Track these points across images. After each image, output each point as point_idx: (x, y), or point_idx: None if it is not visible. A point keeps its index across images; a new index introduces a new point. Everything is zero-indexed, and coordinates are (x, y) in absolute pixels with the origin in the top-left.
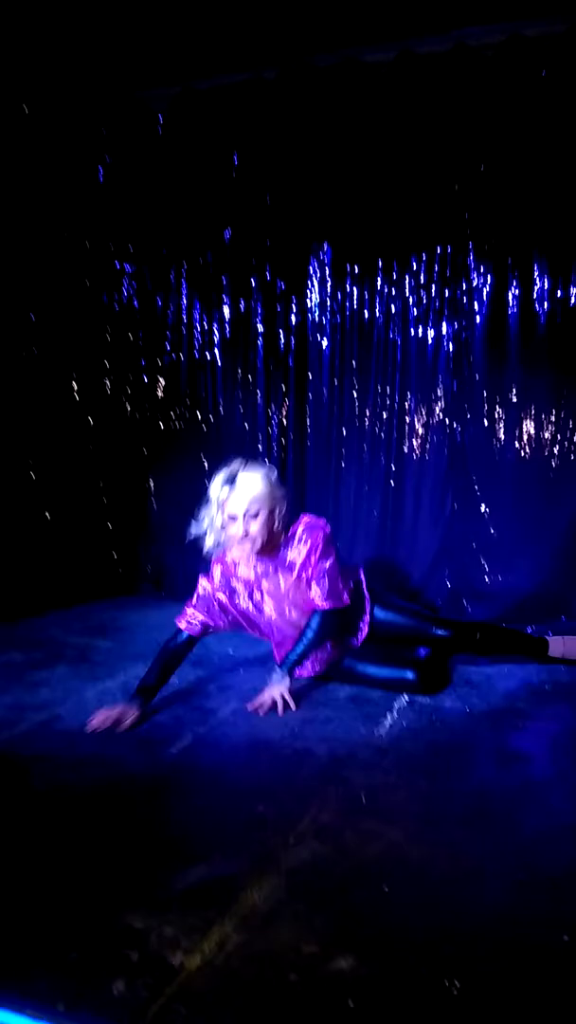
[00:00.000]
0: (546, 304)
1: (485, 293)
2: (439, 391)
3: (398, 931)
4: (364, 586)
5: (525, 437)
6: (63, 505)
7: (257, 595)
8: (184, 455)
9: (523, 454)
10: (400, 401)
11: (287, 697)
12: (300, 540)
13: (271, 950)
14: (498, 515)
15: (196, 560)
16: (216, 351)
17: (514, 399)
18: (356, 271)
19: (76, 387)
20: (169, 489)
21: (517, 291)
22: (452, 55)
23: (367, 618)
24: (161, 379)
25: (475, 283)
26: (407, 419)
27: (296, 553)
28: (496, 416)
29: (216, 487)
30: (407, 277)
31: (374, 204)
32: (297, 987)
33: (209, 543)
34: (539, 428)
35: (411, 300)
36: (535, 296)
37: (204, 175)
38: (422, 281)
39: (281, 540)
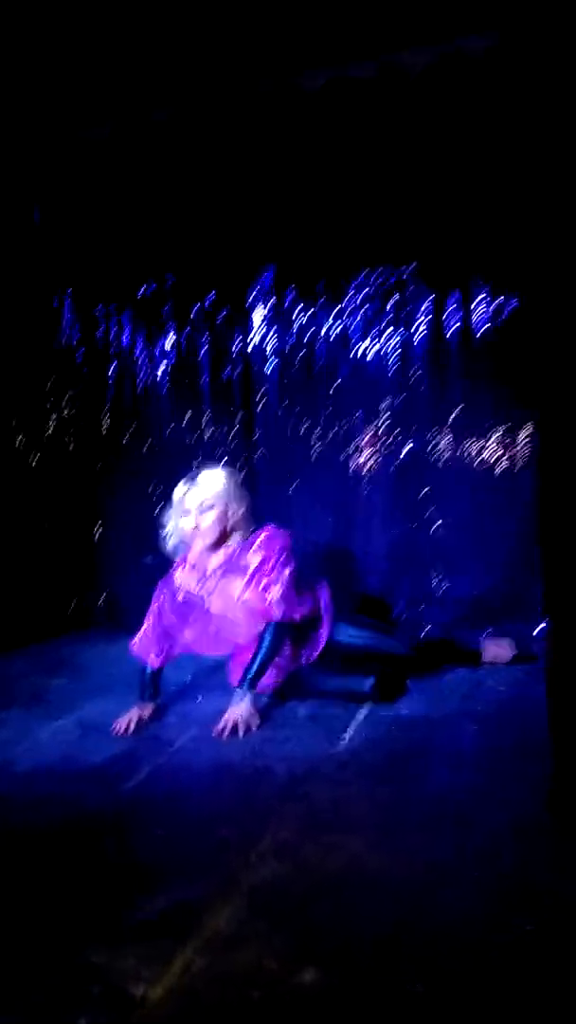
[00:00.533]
0: (485, 321)
1: (426, 311)
2: (384, 407)
3: (359, 940)
4: (324, 602)
5: (470, 450)
6: (9, 543)
7: (210, 599)
8: (132, 486)
9: (468, 466)
10: (348, 418)
11: (249, 716)
12: (259, 547)
13: (234, 971)
14: (447, 526)
15: (149, 590)
16: (162, 380)
17: (457, 413)
18: (299, 292)
19: (16, 427)
20: (119, 521)
21: (457, 309)
22: (382, 77)
23: (324, 632)
24: (108, 411)
25: (416, 301)
26: (355, 435)
27: (253, 558)
28: (442, 430)
29: (179, 487)
30: (349, 296)
31: (314, 227)
32: (261, 1004)
33: (171, 543)
34: (482, 441)
35: (354, 319)
36: (474, 313)
37: (141, 206)
38: (366, 299)
39: (238, 543)
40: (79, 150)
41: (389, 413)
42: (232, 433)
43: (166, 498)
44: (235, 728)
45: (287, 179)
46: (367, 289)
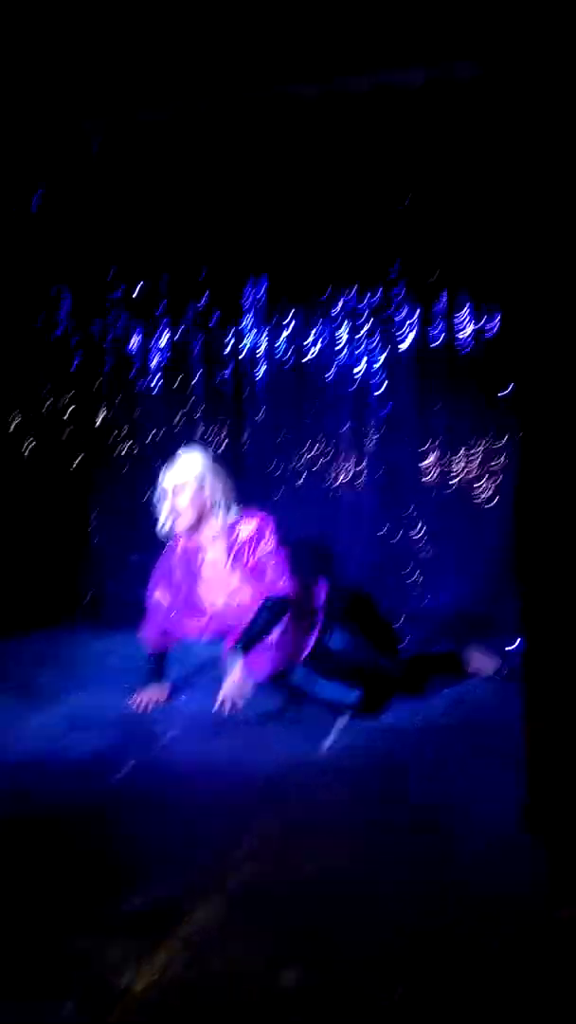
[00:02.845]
0: (470, 338)
1: (414, 325)
2: (371, 418)
3: (340, 944)
4: (319, 600)
5: (453, 463)
6: None
7: (200, 581)
8: (122, 482)
9: (452, 479)
10: (335, 427)
11: (241, 686)
12: (241, 529)
13: (216, 969)
14: (431, 537)
15: (136, 587)
16: (153, 378)
17: (443, 428)
18: (291, 301)
19: (9, 414)
20: (107, 516)
21: (443, 324)
22: (376, 93)
23: (315, 632)
24: (99, 406)
25: (404, 315)
26: (342, 444)
27: (240, 539)
28: (426, 443)
29: (162, 471)
30: (339, 308)
31: (308, 237)
32: (244, 1003)
33: (163, 527)
34: (467, 455)
35: (344, 331)
36: (460, 329)
37: (140, 205)
38: (354, 311)
39: (220, 524)
40: (79, 142)
41: (375, 424)
42: (223, 436)
43: (149, 500)
44: (234, 705)
45: (282, 189)
46: (356, 301)
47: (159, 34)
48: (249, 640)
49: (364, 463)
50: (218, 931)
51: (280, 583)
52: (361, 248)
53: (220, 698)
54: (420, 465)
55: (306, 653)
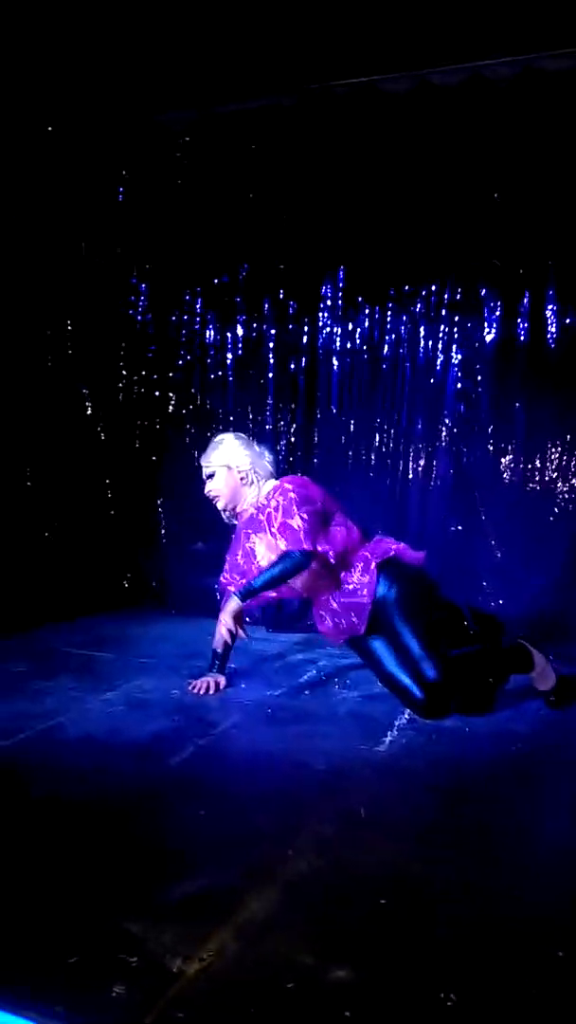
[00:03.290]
0: (555, 334)
1: (495, 321)
2: (446, 415)
3: (394, 944)
4: (374, 566)
5: (530, 464)
6: (70, 517)
7: (251, 555)
8: (192, 470)
9: (528, 480)
10: (407, 423)
11: (224, 620)
12: (270, 502)
13: (268, 959)
14: (502, 539)
15: (201, 573)
16: (228, 368)
17: (520, 426)
18: (368, 295)
19: (88, 399)
20: (176, 503)
21: (526, 321)
22: (467, 86)
23: (367, 594)
24: (172, 394)
25: (485, 311)
26: (414, 441)
27: (270, 508)
28: (502, 442)
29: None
30: (418, 303)
31: (388, 231)
32: (294, 995)
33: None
34: (544, 455)
35: (421, 325)
36: (545, 326)
37: (222, 197)
38: (432, 306)
39: (255, 499)
40: (164, 134)
41: (449, 421)
42: (293, 428)
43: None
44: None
45: (364, 183)
46: (435, 295)
47: (244, 28)
48: (255, 591)
49: (437, 458)
50: (270, 922)
51: (306, 537)
52: (444, 243)
53: (224, 634)
54: (495, 464)
55: (363, 628)
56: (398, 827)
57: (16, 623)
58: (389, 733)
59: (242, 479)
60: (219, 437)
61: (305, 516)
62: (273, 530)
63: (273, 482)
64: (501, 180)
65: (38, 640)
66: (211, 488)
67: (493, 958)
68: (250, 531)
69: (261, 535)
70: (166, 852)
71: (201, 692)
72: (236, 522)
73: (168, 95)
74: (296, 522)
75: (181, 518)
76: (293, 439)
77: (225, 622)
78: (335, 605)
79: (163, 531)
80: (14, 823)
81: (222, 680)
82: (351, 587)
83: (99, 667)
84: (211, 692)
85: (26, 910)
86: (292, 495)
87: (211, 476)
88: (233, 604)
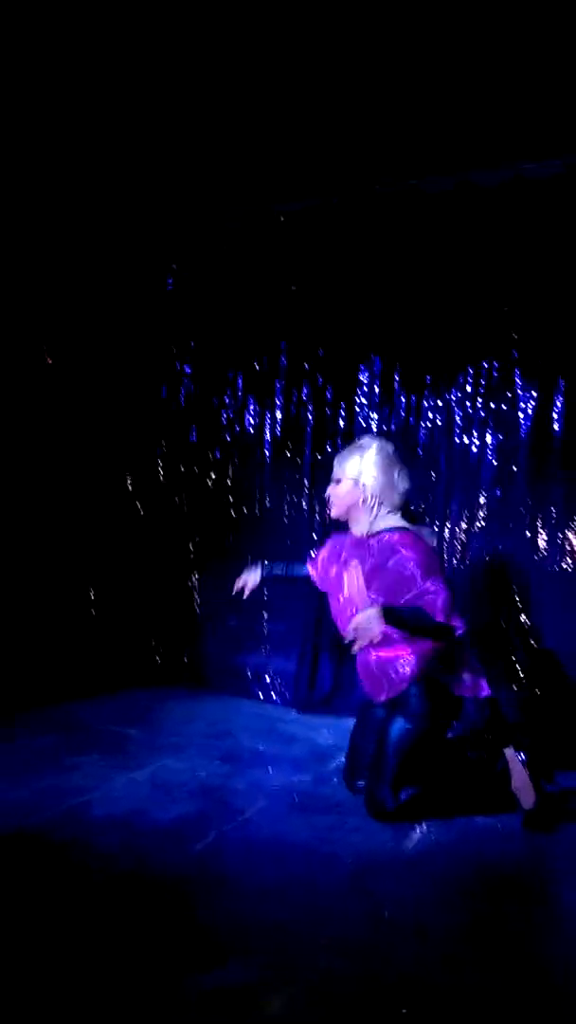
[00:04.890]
0: None
1: (530, 408)
2: (482, 501)
3: None
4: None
5: (568, 549)
6: (104, 592)
7: (342, 575)
8: (229, 547)
9: (566, 567)
10: (443, 509)
11: (366, 622)
12: (392, 542)
13: None
14: (540, 627)
15: (236, 651)
16: (266, 450)
17: (556, 513)
18: (404, 382)
19: (130, 476)
20: (213, 580)
21: (561, 408)
22: (505, 187)
23: (394, 686)
24: (212, 474)
25: (520, 399)
26: (448, 525)
27: (379, 551)
28: (538, 528)
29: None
30: (453, 390)
31: (424, 320)
32: None
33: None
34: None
35: (456, 412)
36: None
37: (266, 288)
38: (468, 393)
39: (368, 527)
40: (214, 234)
41: (485, 507)
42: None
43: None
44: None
45: (398, 273)
46: (470, 386)
47: (301, 133)
48: (398, 613)
49: (472, 543)
50: (291, 1023)
51: (447, 615)
52: (479, 333)
53: (351, 626)
54: (532, 550)
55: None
56: (425, 929)
57: (46, 696)
58: (418, 828)
59: (363, 501)
60: (364, 441)
61: (444, 587)
62: (384, 577)
63: (396, 519)
64: (536, 276)
65: (71, 714)
66: (330, 493)
67: None
68: (346, 554)
69: (359, 570)
70: (186, 942)
71: (237, 588)
72: (339, 529)
73: (226, 192)
74: (434, 586)
75: (216, 594)
76: (328, 519)
77: (370, 622)
78: (372, 664)
79: (197, 607)
80: (35, 903)
81: (257, 576)
82: (399, 666)
83: (128, 745)
84: (244, 587)
85: (39, 997)
86: (416, 553)
87: (337, 481)
88: (373, 611)
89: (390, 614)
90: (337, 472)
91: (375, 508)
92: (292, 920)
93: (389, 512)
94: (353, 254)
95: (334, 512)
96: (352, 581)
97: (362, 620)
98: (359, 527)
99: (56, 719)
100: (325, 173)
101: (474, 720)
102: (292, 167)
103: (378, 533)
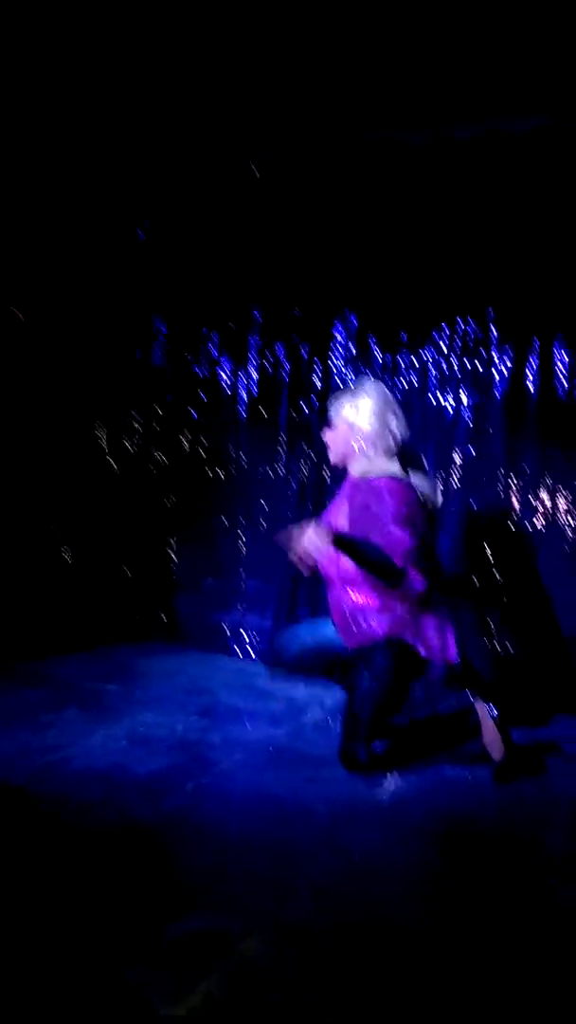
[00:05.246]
0: (565, 381)
1: (505, 367)
2: (456, 459)
3: (389, 995)
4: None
5: (541, 508)
6: (81, 549)
7: (330, 514)
8: (205, 507)
9: (539, 525)
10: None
11: (310, 537)
12: (379, 487)
13: (259, 1006)
14: (512, 584)
15: (210, 609)
16: (241, 409)
17: (529, 470)
18: (379, 340)
19: (104, 435)
20: (189, 539)
21: (536, 367)
22: (484, 140)
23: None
24: (187, 432)
25: (495, 357)
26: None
27: (365, 494)
28: (512, 486)
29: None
30: (428, 348)
31: (400, 277)
32: None
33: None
34: (554, 500)
35: (431, 370)
36: (555, 372)
37: (239, 243)
38: (444, 352)
39: (360, 472)
40: (189, 177)
41: (459, 466)
42: (306, 468)
43: (234, 525)
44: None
45: (374, 227)
46: (446, 340)
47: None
48: (349, 544)
49: (447, 502)
50: (263, 969)
51: (411, 562)
52: (455, 290)
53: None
54: (506, 508)
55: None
56: (394, 875)
57: (24, 652)
58: (391, 779)
59: (357, 447)
60: (360, 384)
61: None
62: (360, 520)
63: (390, 465)
64: (515, 232)
65: (47, 669)
66: (326, 437)
67: (493, 1006)
68: (345, 496)
69: (344, 509)
70: (163, 893)
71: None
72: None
73: (198, 143)
74: (400, 532)
75: (193, 552)
76: (305, 479)
77: (316, 539)
78: (345, 607)
79: (174, 566)
80: (16, 855)
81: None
82: (371, 617)
83: (105, 700)
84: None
85: (24, 948)
86: (390, 499)
87: (332, 425)
88: (325, 535)
89: (340, 540)
90: (332, 416)
91: (370, 452)
92: (267, 868)
93: (384, 457)
94: (329, 208)
95: (332, 458)
96: (337, 520)
97: (311, 534)
98: (355, 470)
99: (33, 675)
100: (303, 123)
101: (441, 678)
102: (269, 117)
103: (369, 478)
